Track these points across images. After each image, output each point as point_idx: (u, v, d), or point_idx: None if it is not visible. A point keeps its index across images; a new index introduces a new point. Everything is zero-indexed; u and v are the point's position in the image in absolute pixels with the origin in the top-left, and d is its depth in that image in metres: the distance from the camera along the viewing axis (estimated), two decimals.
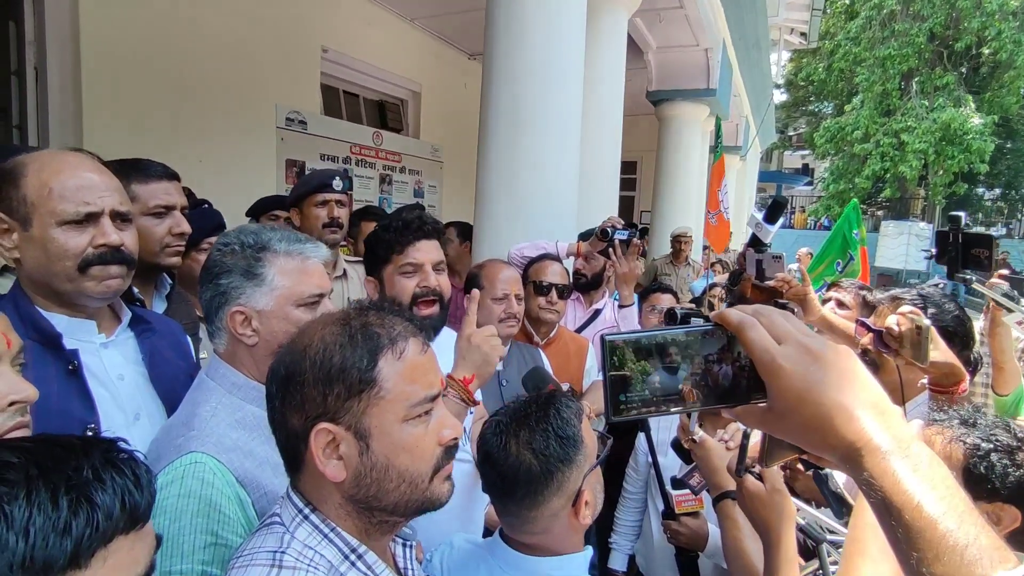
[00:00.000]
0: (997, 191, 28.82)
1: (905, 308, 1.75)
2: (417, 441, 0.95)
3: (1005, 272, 2.55)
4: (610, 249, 3.01)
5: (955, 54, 22.15)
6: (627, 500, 2.61)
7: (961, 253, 2.14)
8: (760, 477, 1.38)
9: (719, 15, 7.53)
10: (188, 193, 2.49)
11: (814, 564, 1.42)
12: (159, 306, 1.93)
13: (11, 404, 0.94)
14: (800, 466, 1.78)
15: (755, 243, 1.75)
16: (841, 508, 1.36)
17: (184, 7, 4.34)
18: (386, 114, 7.16)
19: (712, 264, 6.55)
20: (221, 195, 3.09)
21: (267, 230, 1.31)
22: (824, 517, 1.46)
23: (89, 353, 1.32)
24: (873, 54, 22.19)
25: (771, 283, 1.78)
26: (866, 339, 1.86)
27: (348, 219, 2.85)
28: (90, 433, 1.23)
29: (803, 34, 15.47)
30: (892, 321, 1.71)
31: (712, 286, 4.39)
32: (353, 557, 0.94)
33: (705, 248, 6.55)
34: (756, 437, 1.85)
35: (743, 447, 1.41)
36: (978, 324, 2.61)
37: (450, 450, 1.00)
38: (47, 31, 3.68)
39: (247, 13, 4.84)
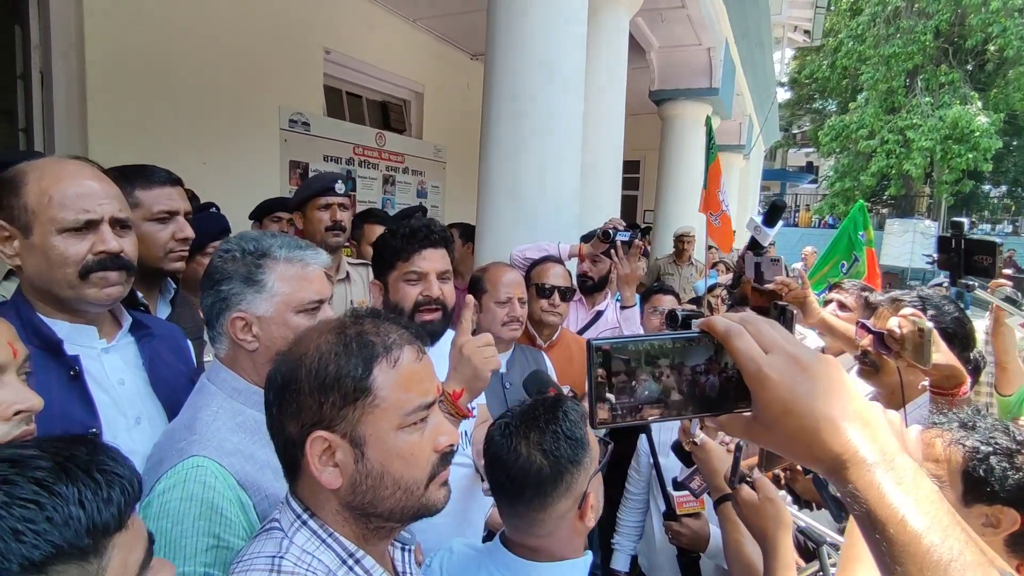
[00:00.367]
0: (1003, 188, 28.66)
1: (907, 310, 1.75)
2: (412, 448, 0.95)
3: (1009, 272, 2.53)
4: (612, 250, 3.01)
5: (961, 51, 22.04)
6: (629, 501, 2.62)
7: (964, 259, 2.13)
8: (753, 486, 1.39)
9: (721, 14, 7.51)
10: (192, 196, 2.51)
11: (815, 566, 1.42)
12: (163, 310, 1.95)
13: (16, 413, 0.95)
14: (800, 468, 1.79)
15: (754, 246, 1.75)
16: (840, 512, 1.36)
17: (188, 11, 4.36)
18: (389, 115, 7.17)
19: (715, 264, 6.53)
20: (225, 197, 3.11)
21: (267, 236, 1.32)
22: (817, 524, 1.47)
23: (90, 358, 1.33)
24: (878, 52, 22.11)
25: (770, 286, 1.78)
26: (866, 341, 1.85)
27: (351, 222, 2.87)
28: None
29: (807, 31, 15.40)
30: (894, 323, 1.71)
31: (713, 287, 4.37)
32: (351, 562, 0.95)
33: (709, 247, 6.53)
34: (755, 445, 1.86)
35: (736, 459, 1.42)
36: (983, 323, 2.60)
37: (446, 456, 1.00)
38: (52, 35, 3.71)
39: (250, 16, 4.86)
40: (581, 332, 3.17)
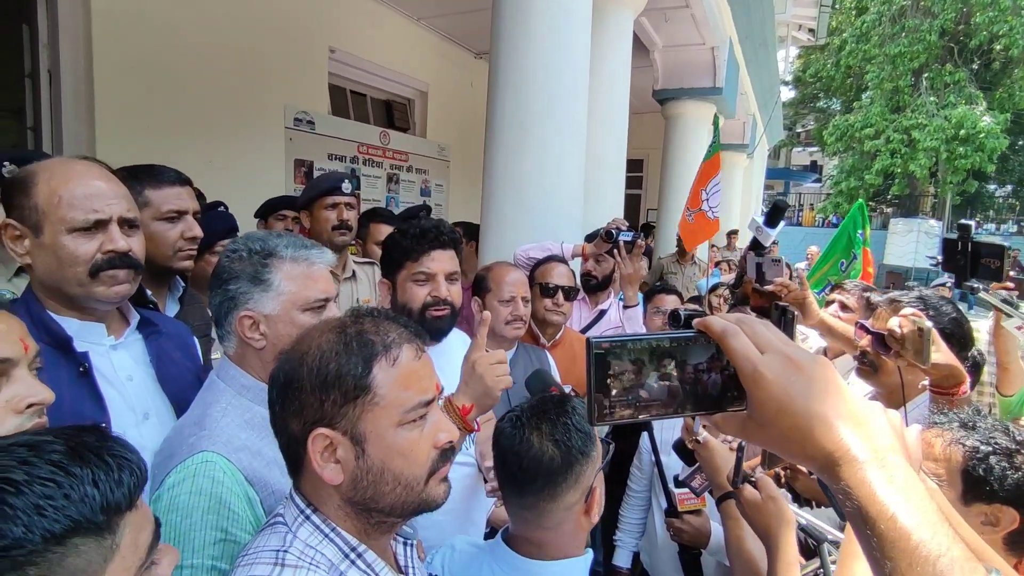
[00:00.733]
0: (1008, 188, 28.53)
1: (907, 311, 1.76)
2: (412, 445, 0.97)
3: (1012, 273, 2.54)
4: (615, 250, 3.02)
5: (966, 50, 21.93)
6: (631, 498, 2.64)
7: (970, 262, 2.14)
8: (756, 485, 1.41)
9: (725, 13, 7.50)
10: (199, 195, 2.53)
11: (815, 563, 1.44)
12: (172, 308, 1.97)
13: (29, 406, 0.97)
14: (802, 467, 1.80)
15: (755, 246, 1.76)
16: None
17: (194, 11, 4.38)
18: (393, 113, 7.19)
19: (717, 263, 6.52)
20: (230, 195, 3.13)
21: (274, 236, 1.34)
22: (818, 522, 1.48)
23: (99, 355, 1.35)
24: (884, 50, 22.02)
25: (770, 288, 1.79)
26: (864, 341, 1.86)
27: (357, 220, 2.89)
28: None
29: (811, 30, 15.38)
30: (894, 323, 1.72)
31: (716, 286, 4.38)
32: (353, 556, 0.97)
33: (712, 246, 6.53)
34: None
35: (739, 459, 1.43)
36: (987, 323, 2.61)
37: (445, 453, 1.02)
38: (60, 34, 3.73)
39: (256, 15, 4.89)
40: (584, 331, 3.18)
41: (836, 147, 24.70)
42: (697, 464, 1.66)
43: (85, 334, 1.35)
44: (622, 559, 2.62)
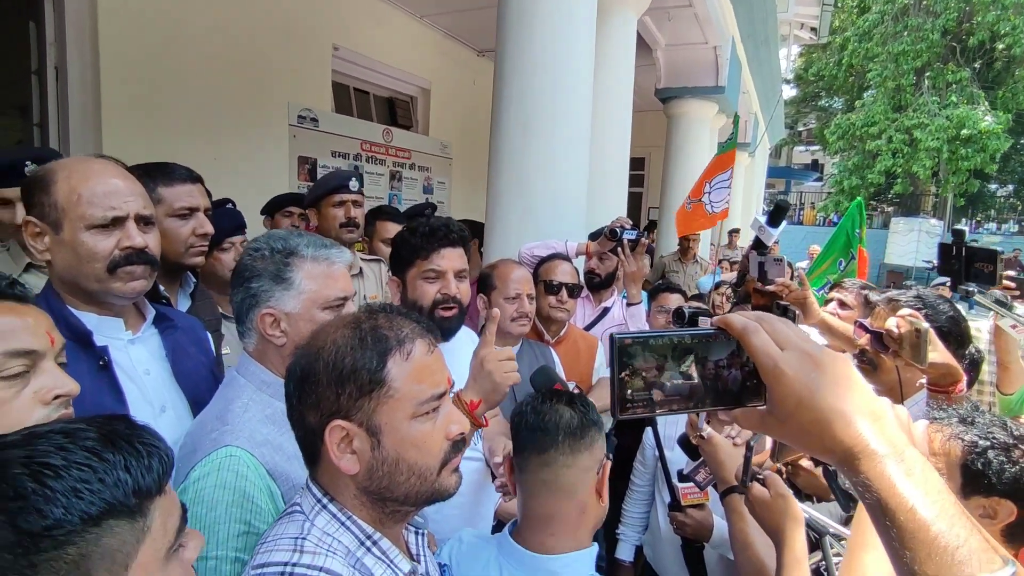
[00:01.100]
0: (1010, 188, 28.49)
1: (904, 311, 1.79)
2: (425, 437, 1.00)
3: (1012, 273, 2.56)
4: (618, 248, 3.05)
5: (968, 49, 21.89)
6: (635, 493, 2.67)
7: (964, 266, 2.18)
8: (764, 483, 1.43)
9: (728, 12, 7.51)
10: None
11: (817, 555, 1.47)
12: (184, 303, 2.00)
13: (56, 398, 1.00)
14: (807, 463, 1.83)
15: (758, 246, 1.78)
16: (848, 503, 1.41)
17: (199, 9, 4.40)
18: (396, 111, 7.20)
19: (720, 261, 6.55)
20: (235, 192, 3.15)
21: (295, 236, 1.36)
22: (822, 516, 1.51)
23: (117, 349, 1.38)
24: (886, 49, 21.98)
25: (771, 287, 1.81)
26: (863, 340, 1.89)
27: (363, 218, 2.91)
28: None
29: (813, 29, 15.38)
30: (892, 323, 1.74)
31: (719, 284, 4.40)
32: (369, 543, 1.00)
33: (712, 245, 6.55)
34: (768, 443, 1.91)
35: (747, 458, 1.46)
36: (987, 323, 2.64)
37: (457, 444, 1.05)
38: (67, 32, 3.74)
39: (260, 13, 4.90)
40: (588, 328, 3.21)
41: (838, 146, 24.64)
42: (701, 459, 1.69)
43: (104, 329, 1.37)
44: (625, 553, 2.65)
